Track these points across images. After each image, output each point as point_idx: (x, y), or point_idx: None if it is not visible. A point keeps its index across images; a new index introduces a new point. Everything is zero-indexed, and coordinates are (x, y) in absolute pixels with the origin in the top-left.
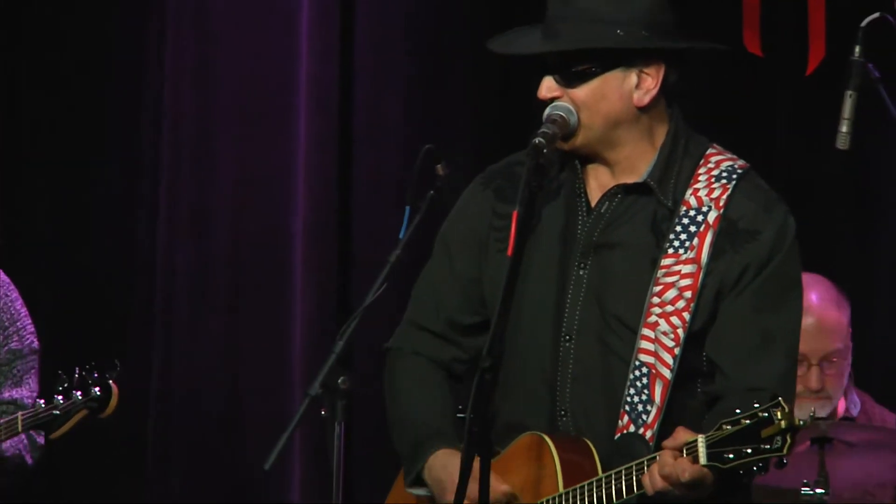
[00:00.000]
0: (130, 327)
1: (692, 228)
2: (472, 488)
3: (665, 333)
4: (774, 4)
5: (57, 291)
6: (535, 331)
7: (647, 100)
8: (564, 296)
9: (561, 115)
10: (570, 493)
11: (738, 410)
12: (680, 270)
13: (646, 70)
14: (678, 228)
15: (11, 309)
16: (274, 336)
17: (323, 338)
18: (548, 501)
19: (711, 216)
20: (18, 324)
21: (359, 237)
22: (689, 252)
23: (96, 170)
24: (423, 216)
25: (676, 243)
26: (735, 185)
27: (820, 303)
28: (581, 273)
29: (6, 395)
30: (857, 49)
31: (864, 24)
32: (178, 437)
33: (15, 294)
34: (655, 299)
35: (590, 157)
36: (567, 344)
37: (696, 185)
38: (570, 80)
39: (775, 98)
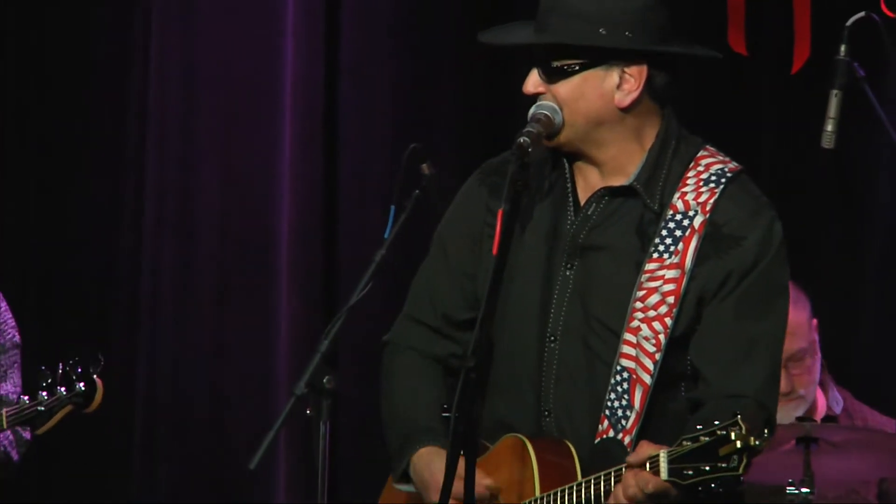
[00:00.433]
0: (116, 328)
1: (678, 233)
2: (457, 486)
3: (647, 338)
4: (759, 4)
5: (42, 291)
6: (522, 330)
7: (627, 101)
8: (551, 296)
9: (545, 115)
10: (544, 499)
11: (717, 421)
12: (664, 275)
13: (628, 71)
14: (664, 232)
15: None
16: (259, 336)
17: (308, 337)
18: None
19: (697, 221)
20: None
21: (344, 237)
22: (673, 257)
23: (81, 170)
24: (409, 216)
25: (661, 247)
26: (723, 190)
27: None
28: (568, 274)
29: None
30: (843, 48)
31: (849, 23)
32: (164, 437)
33: None
34: (638, 304)
35: (577, 155)
36: (552, 344)
37: (685, 189)
38: (551, 75)
39: (761, 97)
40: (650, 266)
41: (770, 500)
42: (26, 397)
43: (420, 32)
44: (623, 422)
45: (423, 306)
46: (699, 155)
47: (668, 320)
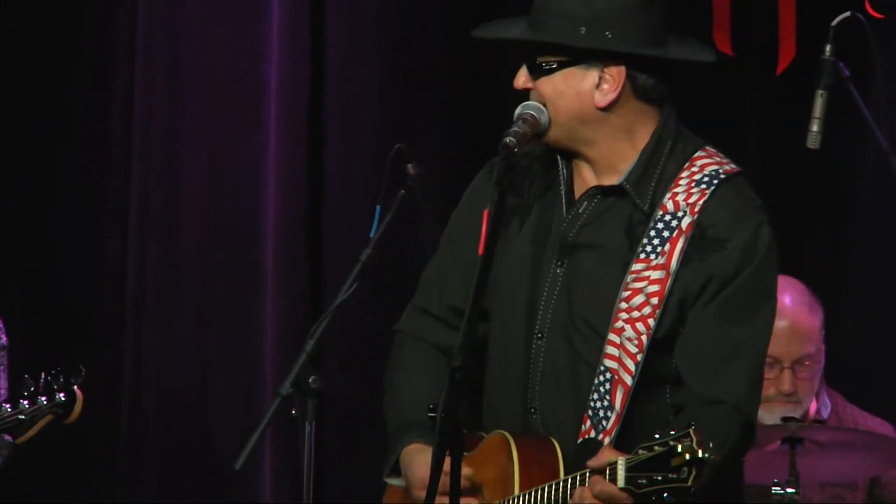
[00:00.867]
0: (101, 327)
1: (665, 234)
2: (444, 483)
3: (630, 339)
4: (745, 4)
5: (26, 290)
6: (511, 326)
7: (605, 101)
8: (540, 293)
9: (531, 114)
10: (520, 498)
11: (672, 431)
12: (649, 276)
13: (607, 71)
14: (652, 233)
15: None
16: (245, 335)
17: (294, 337)
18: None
19: (685, 222)
20: None
21: (329, 236)
22: (660, 258)
23: (66, 169)
24: (394, 215)
25: (649, 248)
26: (713, 191)
27: (794, 306)
28: (558, 272)
29: None
30: (828, 48)
31: (834, 23)
32: (150, 437)
33: None
34: (623, 304)
35: (569, 153)
36: (539, 342)
37: (676, 190)
38: (535, 72)
39: (746, 97)
40: (637, 266)
41: (755, 500)
42: (8, 405)
43: (405, 32)
44: (604, 422)
45: (432, 297)
46: (696, 155)
47: (651, 321)
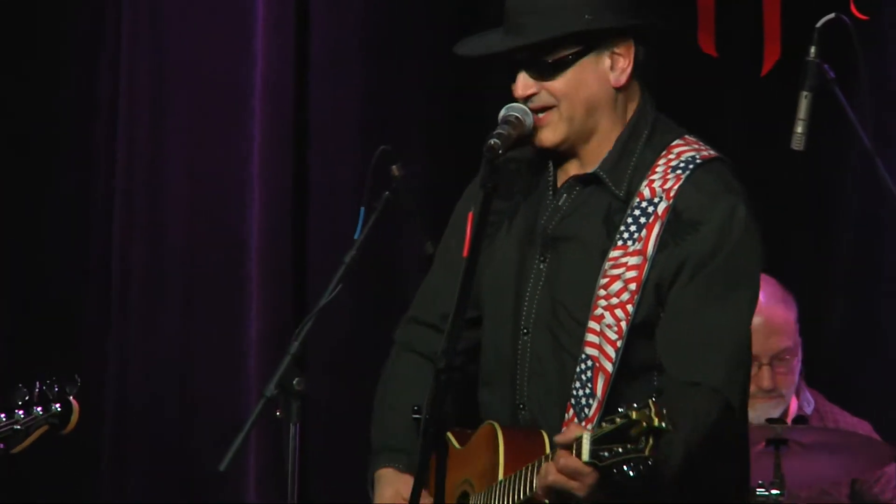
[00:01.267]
0: (85, 330)
1: (642, 220)
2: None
3: (609, 326)
4: (729, 5)
5: (10, 293)
6: (501, 325)
7: (623, 79)
8: (524, 290)
9: (516, 117)
10: (502, 483)
11: (635, 405)
12: (627, 262)
13: (617, 50)
14: (629, 220)
15: None
16: (229, 337)
17: (278, 339)
18: (485, 491)
19: (661, 207)
20: None
21: (314, 238)
22: (636, 244)
23: (50, 172)
24: (379, 217)
25: (626, 235)
26: (688, 176)
27: (767, 302)
28: (542, 267)
29: None
30: (813, 50)
31: (819, 24)
32: (134, 438)
33: None
34: (602, 292)
35: (562, 153)
36: (525, 338)
37: (653, 177)
38: (545, 72)
39: (730, 98)
40: (614, 254)
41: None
42: (2, 415)
43: (390, 33)
44: (586, 410)
45: (426, 307)
46: (674, 143)
47: (629, 308)
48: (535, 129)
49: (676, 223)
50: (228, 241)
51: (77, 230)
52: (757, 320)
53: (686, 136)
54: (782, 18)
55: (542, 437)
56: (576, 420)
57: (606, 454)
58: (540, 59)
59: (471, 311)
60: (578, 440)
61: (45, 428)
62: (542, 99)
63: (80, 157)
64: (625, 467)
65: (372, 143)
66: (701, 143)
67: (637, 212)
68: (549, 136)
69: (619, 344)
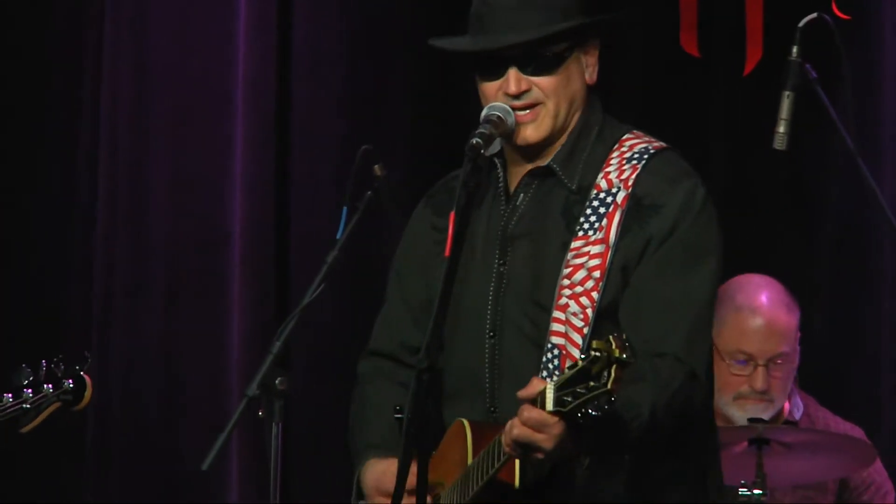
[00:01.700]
0: (67, 328)
1: (602, 210)
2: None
3: (575, 314)
4: (712, 5)
5: None
6: (465, 330)
7: (595, 77)
8: (487, 293)
9: (498, 116)
10: (472, 466)
11: (613, 333)
12: (589, 251)
13: (588, 49)
14: (588, 211)
15: None
16: (212, 337)
17: (261, 338)
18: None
19: (620, 196)
20: None
21: (296, 238)
22: (598, 233)
23: (33, 169)
24: (361, 217)
25: (586, 225)
26: (644, 165)
27: (770, 304)
28: (502, 270)
29: None
30: (795, 49)
31: (801, 24)
32: (117, 438)
33: None
34: (566, 281)
35: (518, 151)
36: (492, 341)
37: (608, 169)
38: (539, 68)
39: (713, 98)
40: (576, 244)
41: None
42: (9, 395)
43: (372, 34)
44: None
45: (383, 339)
46: (624, 137)
47: (594, 294)
48: (518, 126)
49: (637, 208)
50: (211, 240)
51: (60, 229)
52: (758, 322)
53: (634, 131)
54: (764, 18)
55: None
56: None
57: (570, 398)
58: (536, 54)
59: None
60: (542, 392)
61: (56, 405)
62: (532, 95)
63: (63, 157)
64: (590, 410)
65: (354, 143)
66: (648, 135)
67: (596, 202)
68: (534, 132)
69: (585, 331)
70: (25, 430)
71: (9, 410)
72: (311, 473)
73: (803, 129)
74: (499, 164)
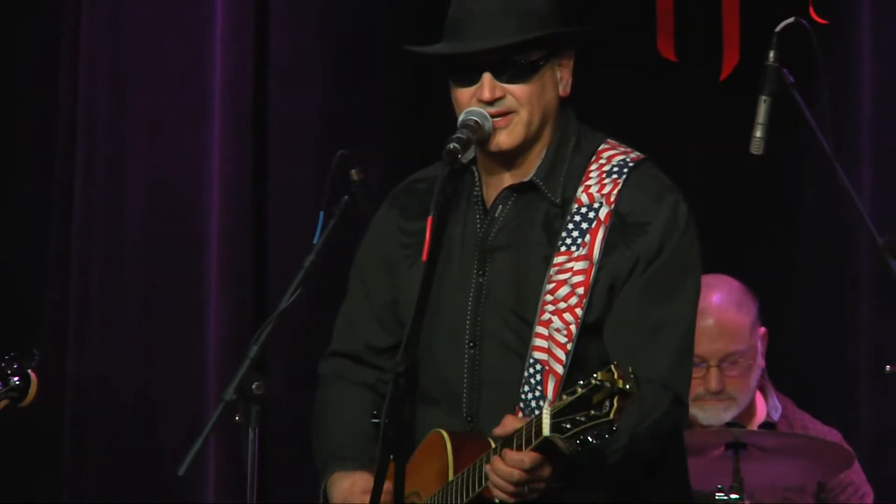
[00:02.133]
0: (44, 330)
1: (584, 225)
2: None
3: (558, 330)
4: (688, 10)
5: None
6: (442, 340)
7: (569, 89)
8: (465, 304)
9: (475, 121)
10: (453, 482)
11: (614, 361)
12: (572, 267)
13: (562, 61)
14: (570, 226)
15: None
16: (188, 340)
17: (237, 342)
18: (438, 492)
19: (603, 212)
20: None
21: (273, 242)
22: (581, 249)
23: (10, 171)
24: (338, 221)
25: (569, 241)
26: (626, 179)
27: (720, 304)
28: (481, 281)
29: None
30: (772, 54)
31: (778, 28)
32: (93, 441)
33: None
34: (549, 297)
35: (492, 159)
36: (472, 351)
37: (588, 182)
38: (514, 75)
39: (689, 103)
40: (559, 259)
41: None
42: None
43: (350, 37)
44: (536, 412)
45: (345, 339)
46: (601, 148)
47: (578, 311)
48: (494, 132)
49: (623, 226)
50: (187, 243)
51: (36, 232)
52: (707, 322)
53: (608, 140)
54: (741, 23)
55: (489, 441)
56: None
57: (568, 425)
58: (511, 62)
59: (389, 339)
60: (538, 416)
61: (5, 402)
62: (506, 103)
63: (39, 158)
64: (589, 438)
65: (331, 147)
66: (622, 144)
67: (577, 217)
68: (507, 139)
69: (569, 347)
70: None
71: None
72: (288, 478)
73: (780, 134)
74: (475, 171)
